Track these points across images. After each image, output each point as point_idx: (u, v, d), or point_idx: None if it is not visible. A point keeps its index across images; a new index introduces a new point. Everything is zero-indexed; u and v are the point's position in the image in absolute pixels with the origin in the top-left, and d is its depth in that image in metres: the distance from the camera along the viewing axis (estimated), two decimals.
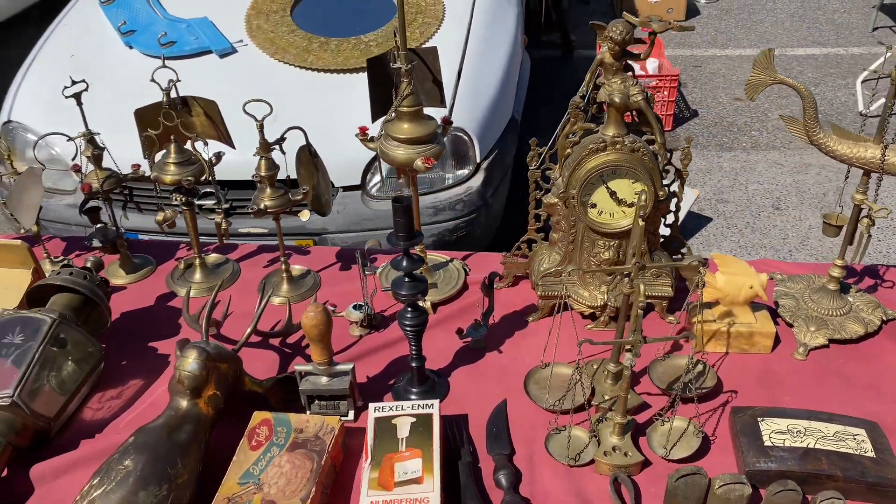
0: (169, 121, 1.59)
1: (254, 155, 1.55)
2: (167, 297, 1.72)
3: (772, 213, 3.92)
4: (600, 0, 7.11)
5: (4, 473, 1.26)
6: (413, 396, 1.41)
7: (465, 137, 2.77)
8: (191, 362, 1.21)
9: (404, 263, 1.29)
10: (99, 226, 1.86)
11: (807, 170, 4.26)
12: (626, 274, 1.24)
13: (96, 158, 1.64)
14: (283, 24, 3.00)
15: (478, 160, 2.81)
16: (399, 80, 1.50)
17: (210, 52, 2.93)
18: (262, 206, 1.58)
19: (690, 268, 1.58)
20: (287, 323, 1.58)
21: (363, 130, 1.57)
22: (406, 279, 1.31)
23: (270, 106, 1.50)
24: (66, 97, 1.63)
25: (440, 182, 2.81)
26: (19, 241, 1.55)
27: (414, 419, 1.26)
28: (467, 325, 1.57)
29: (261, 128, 1.52)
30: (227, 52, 2.93)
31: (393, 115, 1.49)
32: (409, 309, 1.33)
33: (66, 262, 1.59)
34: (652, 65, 5.15)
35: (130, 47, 3.03)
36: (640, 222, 1.18)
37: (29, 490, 1.26)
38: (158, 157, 1.64)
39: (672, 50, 5.89)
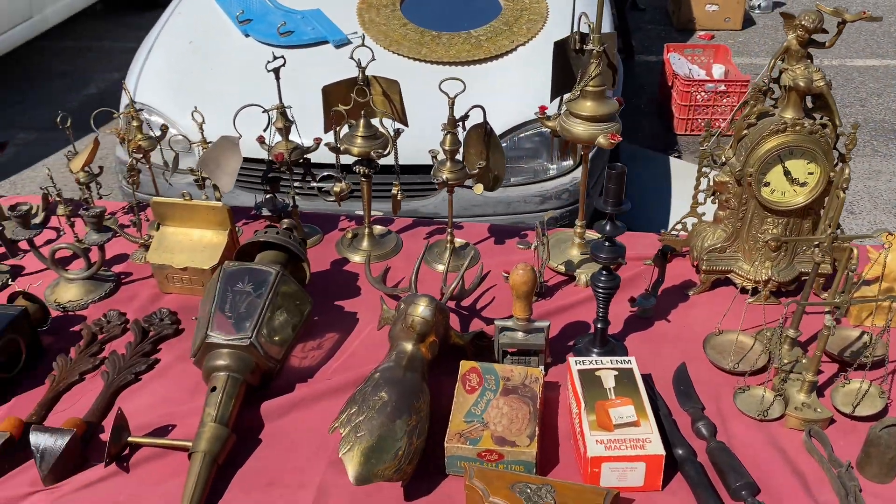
0: (362, 97, 1.70)
1: (441, 130, 1.66)
2: (340, 262, 1.84)
3: (846, 217, 3.99)
4: (655, 9, 7.20)
5: None
6: (594, 356, 1.51)
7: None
8: (423, 308, 1.32)
9: (608, 228, 1.39)
10: (269, 196, 1.99)
11: (877, 176, 4.33)
12: (817, 244, 1.33)
13: (286, 130, 1.76)
14: (394, 17, 3.12)
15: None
16: (585, 62, 1.61)
17: (326, 42, 3.06)
18: (443, 179, 1.69)
19: (841, 249, 1.67)
20: (461, 288, 1.68)
21: (542, 109, 1.68)
22: (606, 243, 1.41)
23: (464, 83, 1.61)
24: (268, 71, 1.74)
25: (543, 172, 2.92)
26: (220, 203, 1.67)
27: (616, 372, 1.36)
28: (626, 296, 1.67)
29: (451, 104, 1.63)
30: (343, 42, 3.06)
31: (577, 93, 1.60)
32: (605, 272, 1.44)
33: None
34: (718, 70, 5.23)
35: (247, 35, 3.17)
36: (841, 194, 1.28)
37: (258, 425, 1.37)
38: (344, 131, 1.75)
39: (734, 59, 5.96)
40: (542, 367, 1.48)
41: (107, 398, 1.41)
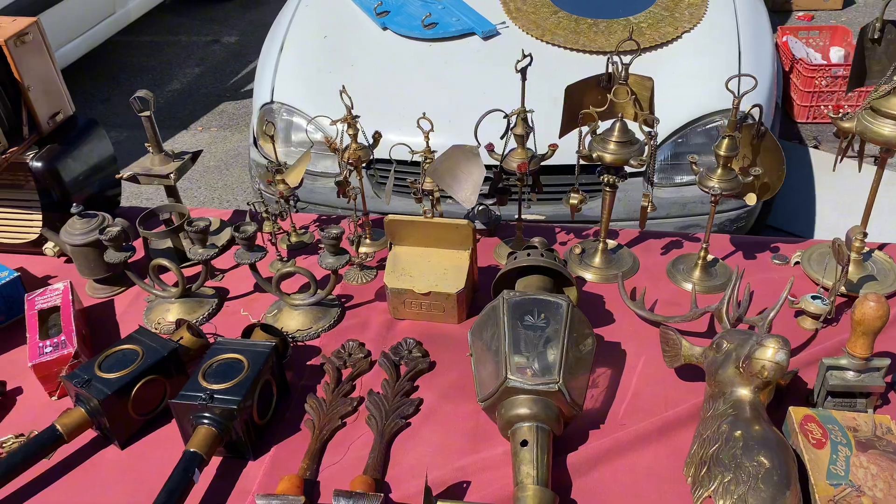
0: (621, 98, 1.51)
1: (720, 135, 1.47)
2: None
3: None
4: None
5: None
6: None
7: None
8: (775, 353, 1.11)
9: None
10: (481, 207, 1.81)
11: None
12: None
13: (525, 137, 1.57)
14: (543, 5, 2.92)
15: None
16: (881, 53, 1.40)
17: (473, 33, 2.87)
18: (716, 189, 1.49)
19: None
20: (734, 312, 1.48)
21: (837, 108, 1.47)
22: None
23: (755, 79, 1.41)
24: (517, 71, 1.54)
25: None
26: (465, 221, 1.49)
27: None
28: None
29: (737, 105, 1.43)
30: (492, 33, 2.86)
31: (885, 90, 1.38)
32: None
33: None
34: (837, 54, 4.92)
35: (385, 28, 2.99)
36: None
37: (565, 482, 1.20)
38: (587, 136, 1.56)
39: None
40: (869, 412, 1.28)
41: (383, 449, 1.25)
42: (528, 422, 1.17)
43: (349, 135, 1.65)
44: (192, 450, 1.18)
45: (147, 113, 1.65)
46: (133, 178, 1.70)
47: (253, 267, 1.53)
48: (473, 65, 2.81)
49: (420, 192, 1.67)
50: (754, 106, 1.48)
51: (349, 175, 1.68)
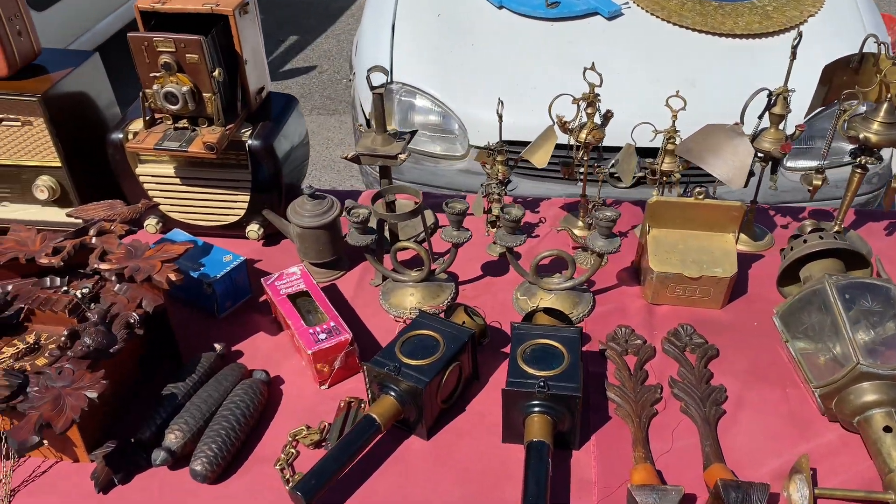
0: (894, 78, 1.48)
1: None
2: None
3: None
4: None
5: None
6: None
7: None
8: None
9: None
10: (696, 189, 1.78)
11: None
12: None
13: (782, 118, 1.54)
14: None
15: None
16: None
17: (596, 13, 2.82)
18: None
19: None
20: None
21: None
22: None
23: None
24: (793, 47, 1.50)
25: (838, 154, 2.71)
26: (738, 202, 1.46)
27: None
28: None
29: None
30: (616, 14, 2.82)
31: None
32: None
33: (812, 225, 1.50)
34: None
35: (500, 7, 2.92)
36: None
37: None
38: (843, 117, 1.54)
39: None
40: None
41: (714, 437, 1.21)
42: (885, 407, 1.15)
43: (587, 113, 1.60)
44: (537, 439, 1.14)
45: (382, 90, 1.57)
46: (355, 159, 1.63)
47: (510, 250, 1.48)
48: (599, 45, 2.77)
49: (657, 173, 1.63)
50: None
51: (580, 157, 1.63)
